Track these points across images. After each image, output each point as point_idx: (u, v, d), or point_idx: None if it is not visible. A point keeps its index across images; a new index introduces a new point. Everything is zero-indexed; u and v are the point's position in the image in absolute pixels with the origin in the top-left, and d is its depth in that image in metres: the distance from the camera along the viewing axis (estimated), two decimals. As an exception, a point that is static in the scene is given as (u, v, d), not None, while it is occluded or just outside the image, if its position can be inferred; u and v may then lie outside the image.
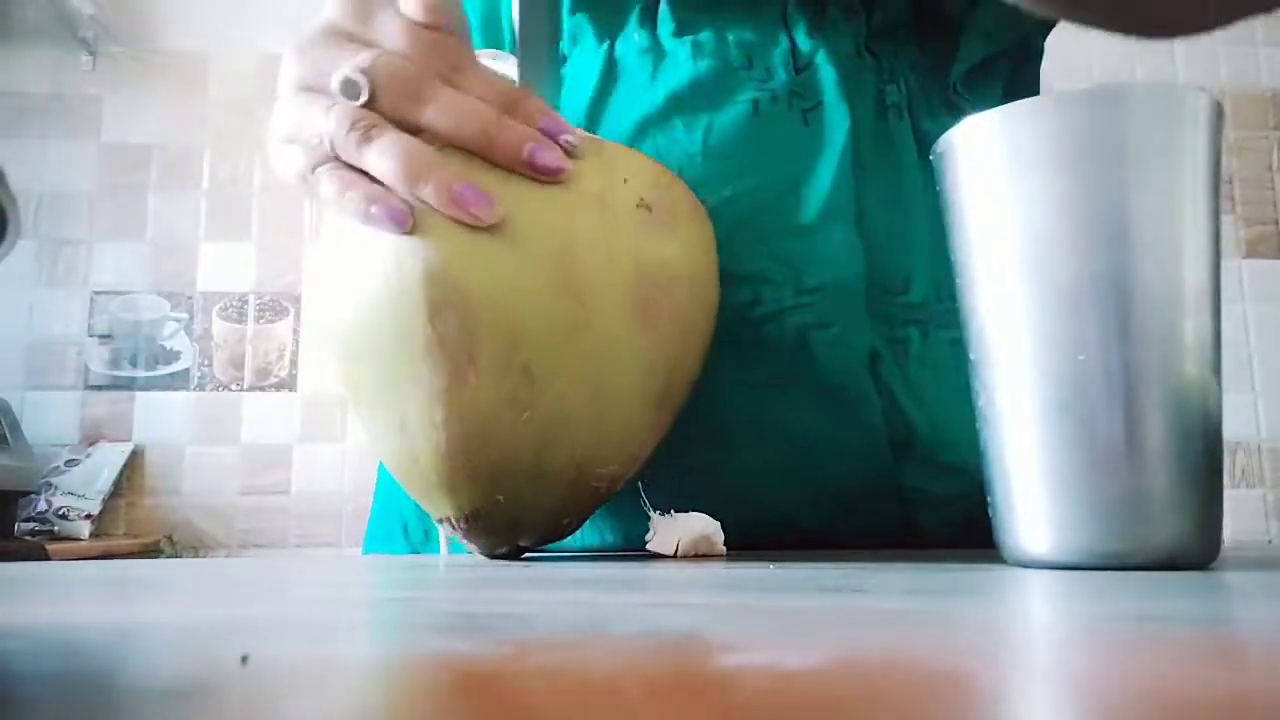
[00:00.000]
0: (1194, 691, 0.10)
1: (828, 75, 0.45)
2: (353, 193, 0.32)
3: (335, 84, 0.32)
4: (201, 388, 1.67)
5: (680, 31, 0.46)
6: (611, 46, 0.47)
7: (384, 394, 0.34)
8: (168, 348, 1.68)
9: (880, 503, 0.43)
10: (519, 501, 0.34)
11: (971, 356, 0.31)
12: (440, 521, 0.36)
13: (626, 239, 0.34)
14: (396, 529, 0.50)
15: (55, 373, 1.66)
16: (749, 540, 0.39)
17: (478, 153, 0.32)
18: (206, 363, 1.68)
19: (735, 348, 0.41)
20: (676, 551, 0.36)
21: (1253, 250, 1.84)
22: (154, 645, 0.15)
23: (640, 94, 0.45)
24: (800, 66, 0.46)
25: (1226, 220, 1.84)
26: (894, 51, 0.47)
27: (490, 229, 0.32)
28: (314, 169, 0.33)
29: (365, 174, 0.32)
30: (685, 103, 0.45)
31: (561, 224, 0.33)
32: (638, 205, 0.34)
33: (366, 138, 0.31)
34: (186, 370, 1.67)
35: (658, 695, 0.10)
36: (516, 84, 0.40)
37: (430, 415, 0.33)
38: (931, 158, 0.32)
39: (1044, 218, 0.28)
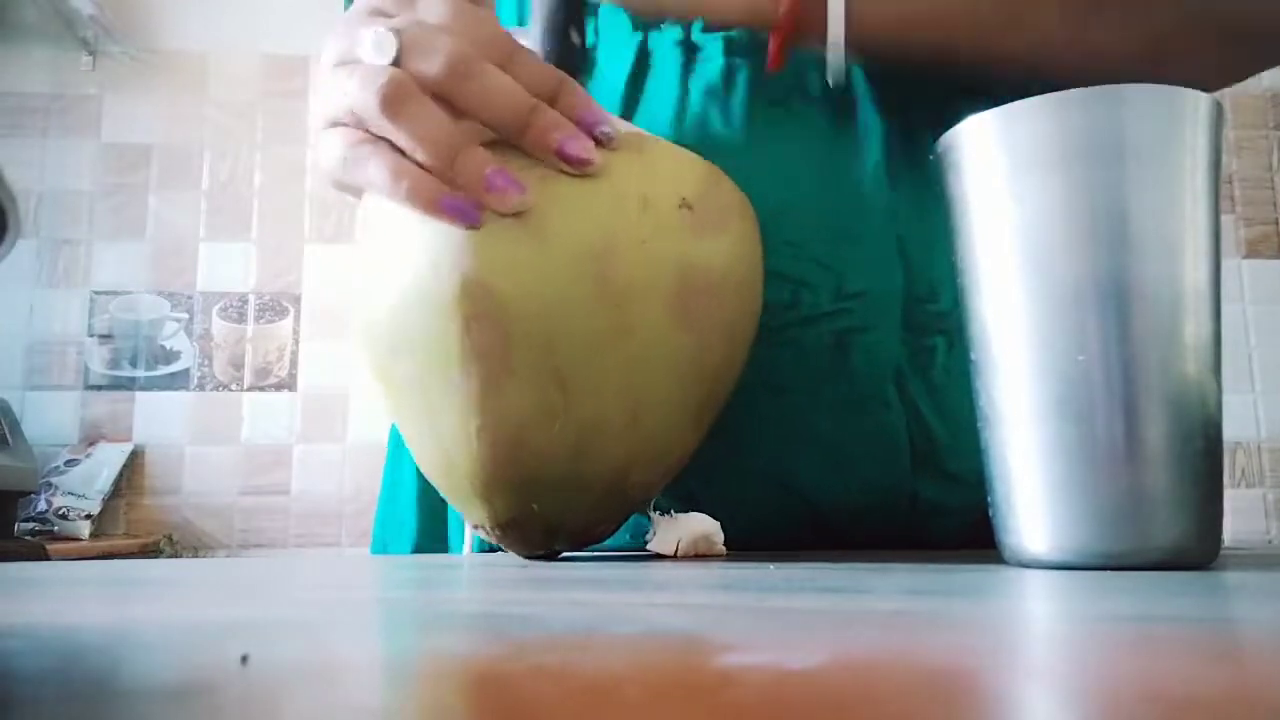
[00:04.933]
0: (1194, 691, 0.10)
1: (859, 80, 0.45)
2: (408, 182, 0.30)
3: (365, 44, 0.30)
4: (201, 388, 1.67)
5: (711, 27, 0.46)
6: (645, 38, 0.47)
7: (418, 399, 0.33)
8: (168, 348, 1.68)
9: (894, 513, 0.43)
10: (553, 510, 0.33)
11: (972, 356, 0.31)
12: (476, 527, 0.35)
13: (668, 239, 0.32)
14: (407, 521, 0.49)
15: (55, 373, 1.66)
16: (751, 544, 0.39)
17: (508, 137, 0.31)
18: (206, 363, 1.68)
19: (768, 349, 0.40)
20: (676, 551, 0.36)
21: (1253, 250, 1.84)
22: (154, 645, 0.15)
23: (674, 85, 0.45)
24: None
25: (1226, 220, 1.84)
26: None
27: (528, 231, 0.30)
28: (352, 149, 0.31)
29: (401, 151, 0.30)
30: (719, 97, 0.44)
31: (600, 223, 0.31)
32: (680, 205, 0.32)
33: (395, 100, 0.29)
34: (186, 370, 1.68)
35: (658, 695, 0.10)
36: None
37: (465, 424, 0.32)
38: (931, 158, 0.32)
39: (1044, 218, 0.28)
